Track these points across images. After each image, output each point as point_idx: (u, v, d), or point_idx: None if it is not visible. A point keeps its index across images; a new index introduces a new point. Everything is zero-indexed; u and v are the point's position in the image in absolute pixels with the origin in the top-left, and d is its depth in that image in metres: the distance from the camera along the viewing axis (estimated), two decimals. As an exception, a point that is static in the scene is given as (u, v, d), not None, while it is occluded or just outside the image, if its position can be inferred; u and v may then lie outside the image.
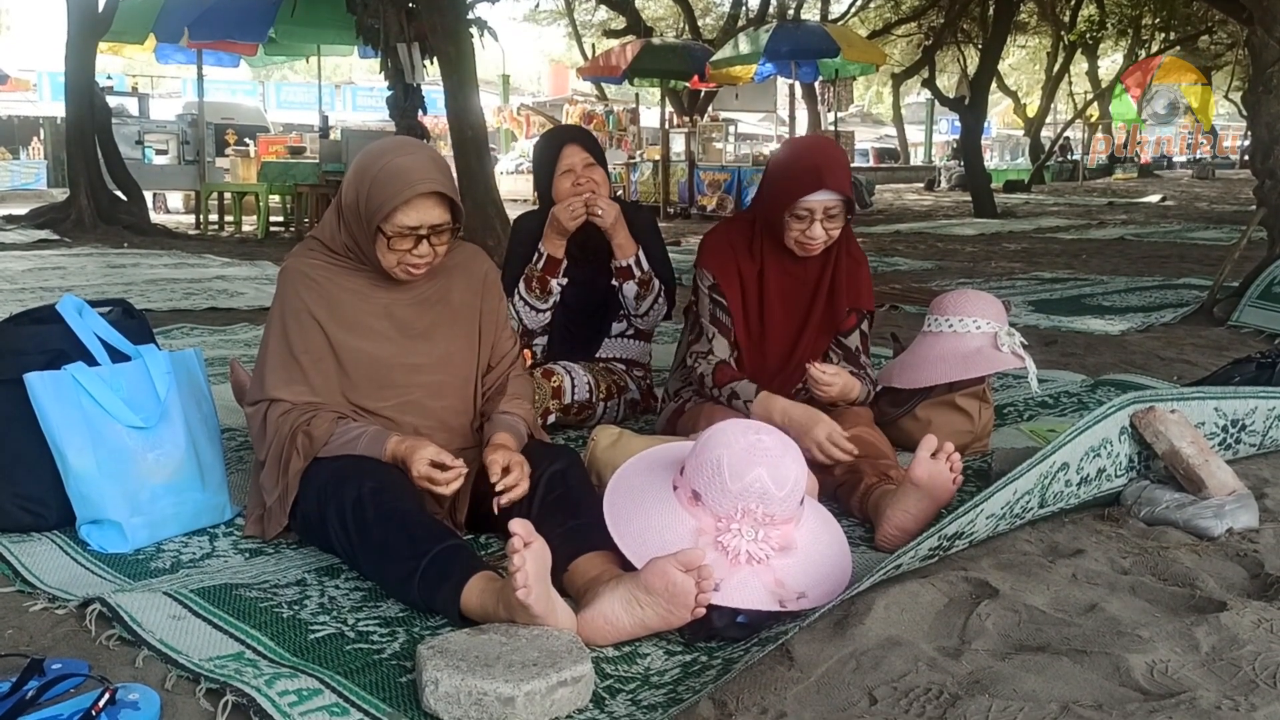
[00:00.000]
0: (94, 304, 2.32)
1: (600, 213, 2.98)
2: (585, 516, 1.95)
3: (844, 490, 2.35)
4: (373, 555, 1.91)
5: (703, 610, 1.69)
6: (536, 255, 3.08)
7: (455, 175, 8.94)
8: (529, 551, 1.62)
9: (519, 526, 1.64)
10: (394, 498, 1.96)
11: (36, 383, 2.12)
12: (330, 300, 2.16)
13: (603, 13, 23.50)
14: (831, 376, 2.46)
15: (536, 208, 3.25)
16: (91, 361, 2.20)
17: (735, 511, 1.78)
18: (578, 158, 3.06)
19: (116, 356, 2.25)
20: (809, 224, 2.51)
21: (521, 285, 3.09)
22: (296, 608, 1.87)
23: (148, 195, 12.69)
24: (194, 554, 2.14)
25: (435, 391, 2.22)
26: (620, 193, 15.47)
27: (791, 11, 20.63)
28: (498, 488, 2.02)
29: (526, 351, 3.03)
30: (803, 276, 2.64)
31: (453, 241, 2.29)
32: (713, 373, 2.57)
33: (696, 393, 2.67)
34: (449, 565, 1.81)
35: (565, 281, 3.09)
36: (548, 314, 3.13)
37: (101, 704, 1.47)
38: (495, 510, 2.02)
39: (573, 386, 3.02)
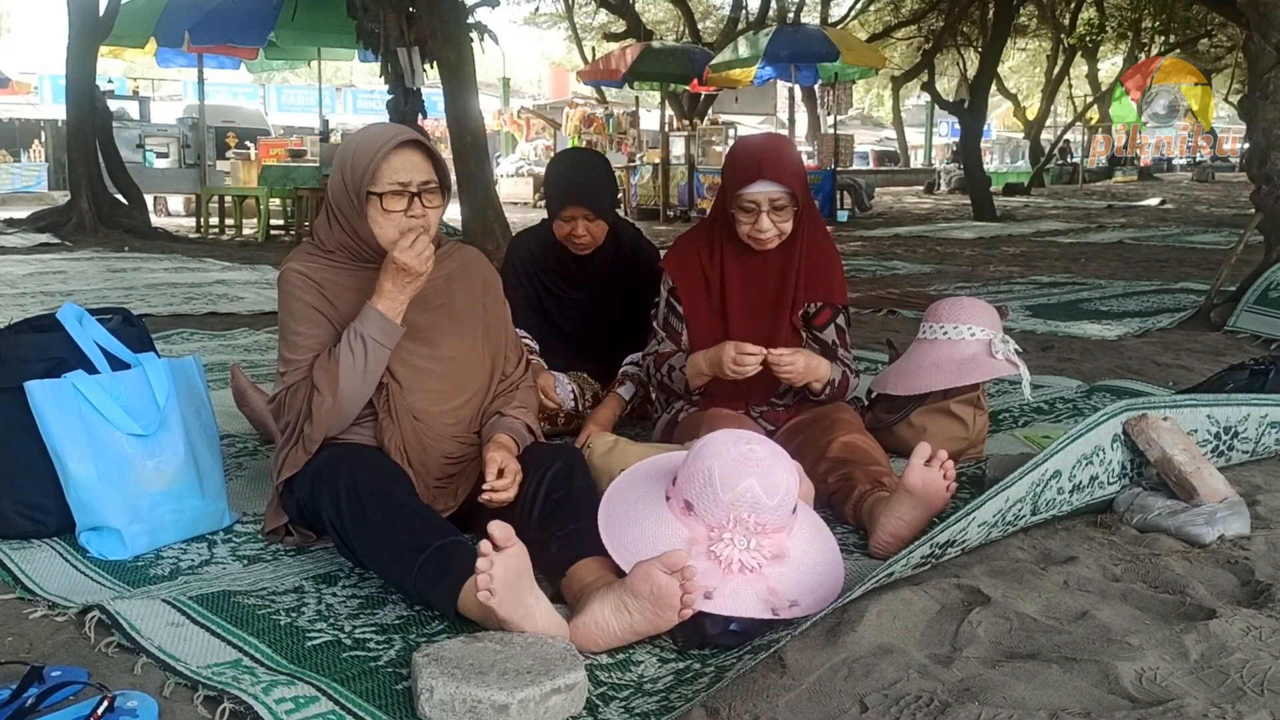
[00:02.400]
0: (94, 312, 2.34)
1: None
2: (584, 520, 1.96)
3: (837, 497, 2.36)
4: (368, 541, 1.92)
5: (690, 611, 1.71)
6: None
7: (455, 179, 9.01)
8: (498, 556, 1.64)
9: (497, 529, 1.66)
10: (391, 486, 1.97)
11: (37, 390, 2.14)
12: (332, 299, 2.15)
13: (603, 16, 23.57)
14: (789, 356, 2.48)
15: (533, 227, 3.25)
16: (91, 369, 2.21)
17: (727, 521, 1.79)
18: (580, 211, 3.00)
19: (116, 364, 2.26)
20: (756, 217, 2.53)
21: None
22: (294, 615, 1.88)
23: (148, 198, 12.72)
24: (192, 561, 2.16)
25: (440, 398, 2.22)
26: (620, 195, 15.49)
27: (791, 15, 20.66)
28: (485, 486, 2.05)
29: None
30: (765, 273, 2.64)
31: (451, 244, 2.30)
32: (654, 361, 2.71)
33: (658, 391, 2.77)
34: (449, 561, 1.82)
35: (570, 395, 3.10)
36: None
37: (100, 711, 1.48)
38: (484, 502, 2.05)
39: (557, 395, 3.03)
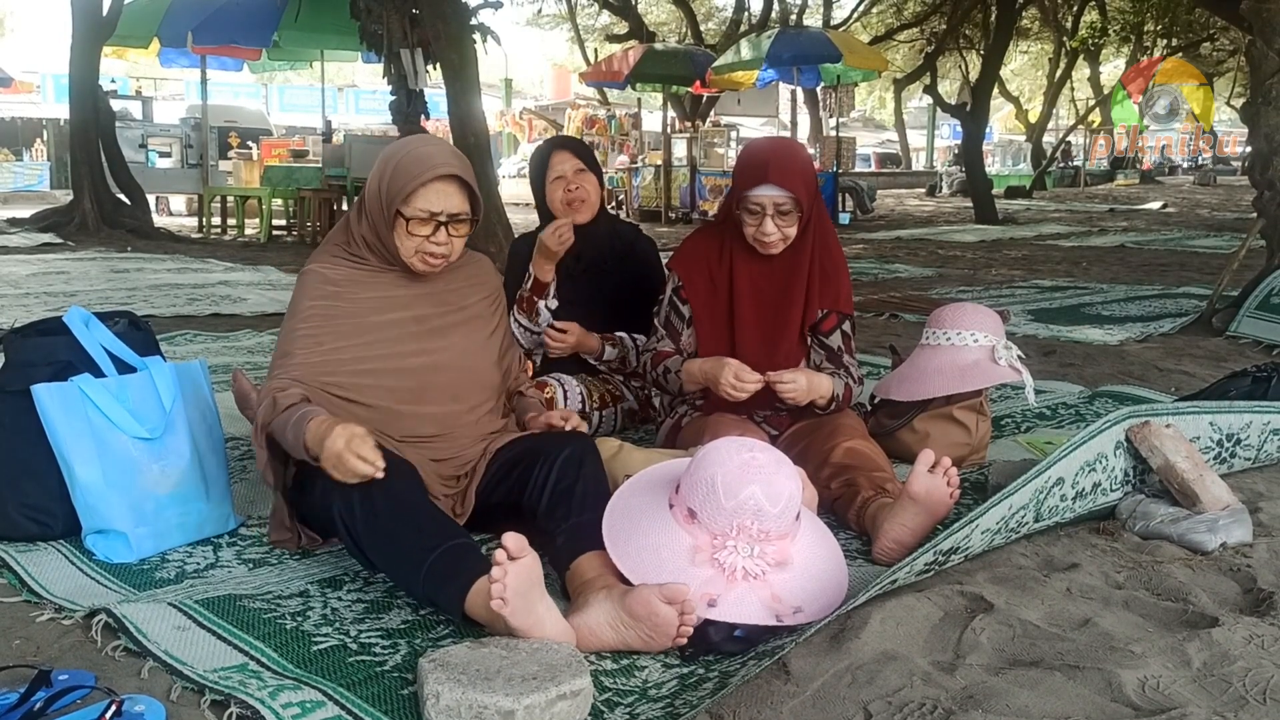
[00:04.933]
0: (100, 315, 2.35)
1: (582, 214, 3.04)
2: (590, 511, 1.98)
3: (840, 503, 2.37)
4: (379, 540, 1.92)
5: (683, 639, 1.74)
6: (526, 276, 3.11)
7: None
8: (512, 565, 1.66)
9: (511, 540, 1.67)
10: (403, 486, 1.98)
11: (44, 394, 2.15)
12: (345, 299, 2.20)
13: (605, 17, 23.58)
14: (790, 377, 2.49)
15: (531, 230, 3.28)
16: (98, 373, 2.23)
17: (730, 528, 1.80)
18: (568, 165, 3.09)
19: (123, 368, 2.27)
20: (760, 219, 2.55)
21: (515, 308, 3.11)
22: (299, 619, 1.89)
23: (150, 198, 12.74)
24: (198, 564, 2.17)
25: (454, 393, 2.26)
26: (622, 197, 15.51)
27: (793, 17, 20.68)
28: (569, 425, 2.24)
29: (529, 362, 3.06)
30: (773, 278, 2.64)
31: (466, 252, 2.34)
32: (651, 359, 2.72)
33: (652, 386, 2.80)
34: (458, 563, 1.83)
35: (555, 304, 3.11)
36: (541, 335, 3.15)
37: (108, 715, 1.49)
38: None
39: (565, 398, 3.04)
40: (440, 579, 1.82)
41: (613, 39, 21.49)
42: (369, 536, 1.93)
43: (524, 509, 2.10)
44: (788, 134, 17.21)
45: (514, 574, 1.66)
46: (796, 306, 2.63)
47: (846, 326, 2.71)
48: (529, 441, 2.20)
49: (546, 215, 3.18)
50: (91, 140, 11.06)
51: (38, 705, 1.53)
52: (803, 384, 2.49)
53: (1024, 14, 20.35)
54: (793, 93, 16.10)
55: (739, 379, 2.46)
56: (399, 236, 2.16)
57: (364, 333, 2.19)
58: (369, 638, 1.82)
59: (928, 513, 2.12)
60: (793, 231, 2.57)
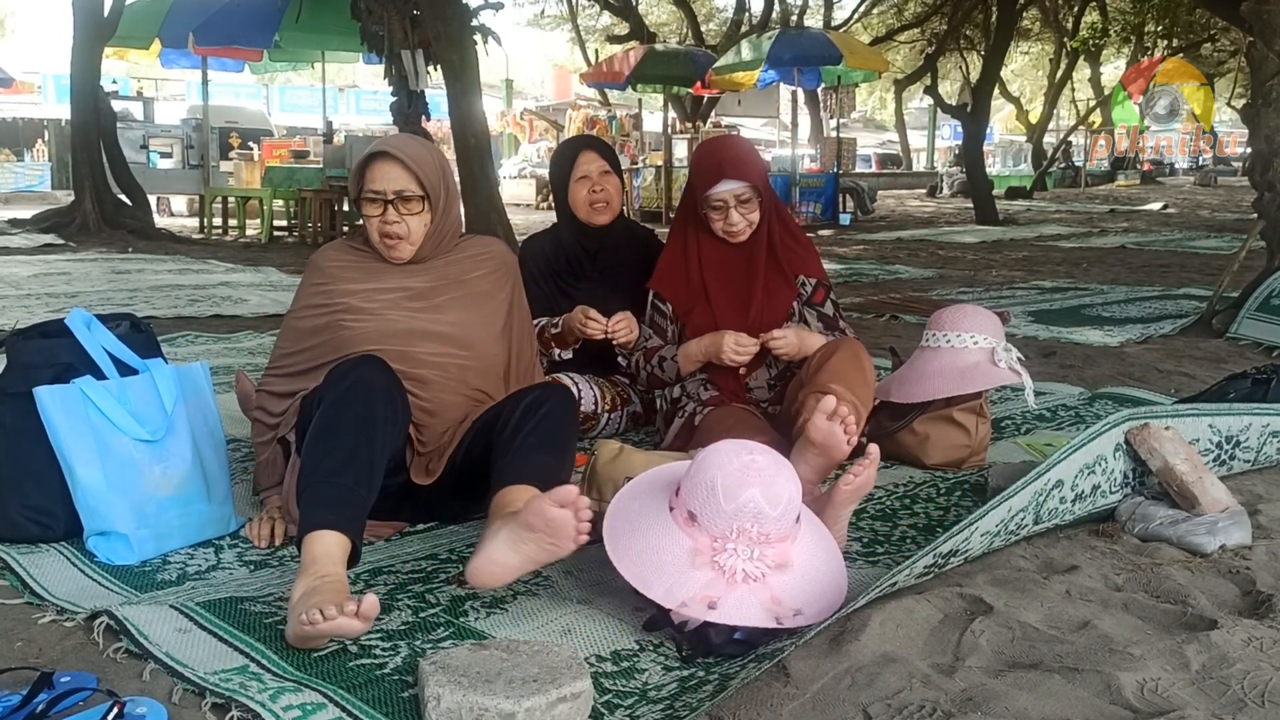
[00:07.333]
0: (102, 318, 2.36)
1: (624, 338, 2.93)
2: (541, 451, 2.05)
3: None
4: (318, 436, 2.00)
5: (584, 538, 1.78)
6: (548, 325, 3.08)
7: (459, 181, 9.03)
8: (347, 621, 1.69)
9: (369, 606, 1.71)
10: (388, 416, 2.05)
11: (45, 396, 2.16)
12: (340, 280, 2.34)
13: (606, 18, 23.59)
14: (780, 333, 2.72)
15: (542, 230, 3.28)
16: (100, 375, 2.23)
17: (730, 531, 1.80)
18: (593, 165, 3.11)
19: (124, 370, 2.28)
20: (726, 213, 2.79)
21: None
22: (301, 621, 1.89)
23: (152, 199, 12.74)
24: (199, 566, 2.17)
25: (461, 372, 2.32)
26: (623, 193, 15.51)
27: (794, 18, 20.68)
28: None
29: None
30: (739, 256, 2.85)
31: (473, 236, 2.48)
32: (643, 354, 2.92)
33: (646, 384, 2.96)
34: (340, 504, 1.91)
35: (569, 355, 3.11)
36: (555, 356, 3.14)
37: (110, 718, 1.50)
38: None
39: (579, 396, 3.04)
40: (317, 501, 1.90)
41: (613, 40, 21.51)
42: (318, 424, 2.00)
43: (493, 447, 2.14)
44: (788, 135, 17.22)
45: (341, 625, 1.69)
46: (763, 277, 2.81)
47: (832, 295, 2.93)
48: (506, 400, 2.28)
49: (565, 212, 3.18)
50: (93, 141, 11.07)
51: (40, 707, 1.54)
52: (792, 339, 2.72)
53: (1025, 14, 20.36)
54: (793, 94, 16.08)
55: (740, 345, 2.70)
56: (366, 223, 2.32)
57: (357, 303, 2.31)
58: (369, 640, 1.82)
59: (825, 456, 2.25)
60: (755, 217, 2.80)
